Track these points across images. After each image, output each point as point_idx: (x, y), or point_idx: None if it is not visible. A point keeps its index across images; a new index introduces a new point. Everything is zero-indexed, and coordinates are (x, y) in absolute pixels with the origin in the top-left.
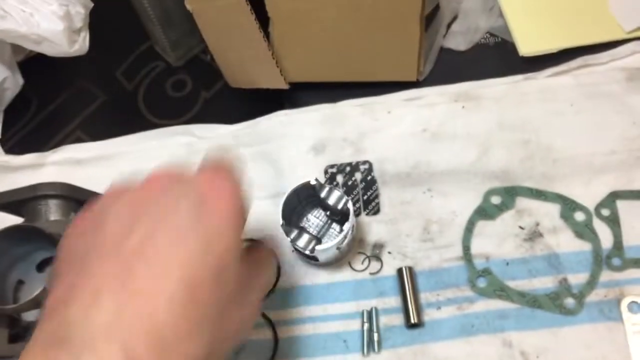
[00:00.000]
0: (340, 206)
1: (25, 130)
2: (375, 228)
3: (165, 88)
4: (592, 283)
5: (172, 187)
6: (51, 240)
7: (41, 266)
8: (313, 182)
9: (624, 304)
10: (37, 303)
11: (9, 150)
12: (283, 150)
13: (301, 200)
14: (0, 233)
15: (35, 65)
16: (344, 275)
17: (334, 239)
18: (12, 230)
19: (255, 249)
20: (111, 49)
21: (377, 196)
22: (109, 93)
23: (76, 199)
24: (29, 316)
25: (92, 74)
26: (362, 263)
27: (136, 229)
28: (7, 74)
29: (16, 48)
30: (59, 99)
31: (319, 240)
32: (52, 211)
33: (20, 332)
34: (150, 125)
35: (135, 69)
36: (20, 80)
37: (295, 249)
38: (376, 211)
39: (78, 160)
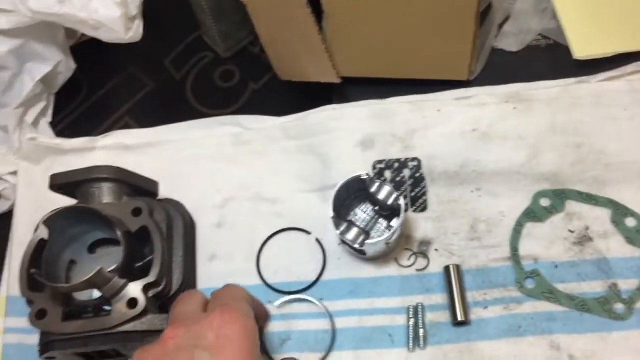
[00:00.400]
0: (390, 201)
1: (75, 114)
2: (422, 225)
3: (214, 78)
4: None
5: (186, 339)
6: (106, 222)
7: (92, 248)
8: (364, 176)
9: None
10: (91, 283)
11: (59, 133)
12: (331, 144)
13: (350, 194)
14: (57, 213)
15: (86, 51)
16: (391, 270)
17: (382, 233)
18: (68, 210)
19: None
20: (161, 37)
21: (425, 193)
22: (157, 81)
23: (128, 183)
24: (82, 295)
25: (142, 61)
26: (409, 259)
27: None
28: (61, 58)
29: (69, 33)
30: (109, 84)
31: (367, 235)
32: (105, 194)
33: (74, 311)
34: (197, 115)
35: (184, 59)
36: (72, 65)
37: (343, 242)
38: (424, 208)
39: (127, 146)
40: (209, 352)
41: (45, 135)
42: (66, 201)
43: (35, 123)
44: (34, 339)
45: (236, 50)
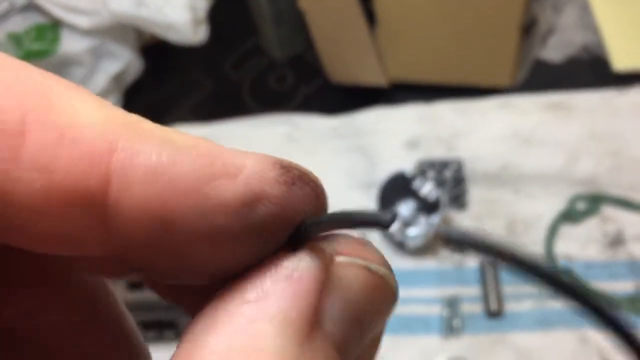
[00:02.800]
0: (431, 198)
1: (140, 112)
2: (461, 222)
3: (269, 82)
4: None
5: None
6: None
7: None
8: (408, 172)
9: None
10: None
11: None
12: (378, 144)
13: (394, 189)
14: None
15: (151, 53)
16: (429, 263)
17: (423, 228)
18: None
19: None
20: (222, 42)
21: (464, 193)
22: (216, 83)
23: None
24: None
25: (203, 64)
26: (447, 253)
27: None
28: (132, 57)
29: (138, 35)
30: (172, 85)
31: (408, 228)
32: None
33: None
34: (253, 113)
35: (242, 63)
36: (141, 65)
37: (385, 236)
38: (463, 207)
39: None
40: None
41: None
42: None
43: None
44: None
45: (290, 56)
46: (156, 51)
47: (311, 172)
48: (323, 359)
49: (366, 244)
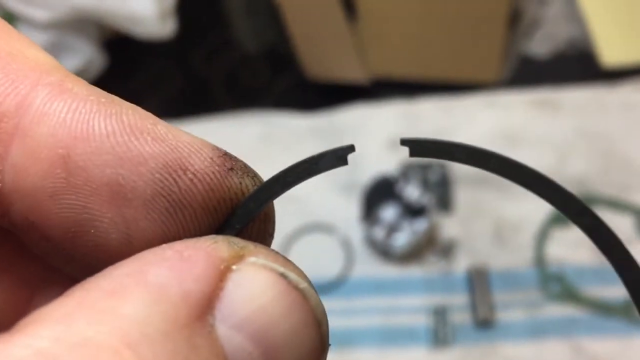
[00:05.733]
0: (416, 202)
1: None
2: (447, 226)
3: (241, 76)
4: None
5: None
6: None
7: None
8: (391, 176)
9: None
10: None
11: None
12: (358, 144)
13: (378, 193)
14: None
15: (115, 48)
16: (415, 270)
17: (408, 233)
18: None
19: None
20: (190, 35)
21: (450, 195)
22: (186, 77)
23: None
24: None
25: (171, 58)
26: (433, 260)
27: None
28: (93, 53)
29: (100, 29)
30: (138, 80)
31: (393, 234)
32: None
33: None
34: (225, 109)
35: (213, 56)
36: (103, 60)
37: (369, 241)
38: (449, 210)
39: None
40: None
41: None
42: None
43: None
44: None
45: (264, 50)
46: (120, 45)
47: (258, 174)
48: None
49: (288, 260)
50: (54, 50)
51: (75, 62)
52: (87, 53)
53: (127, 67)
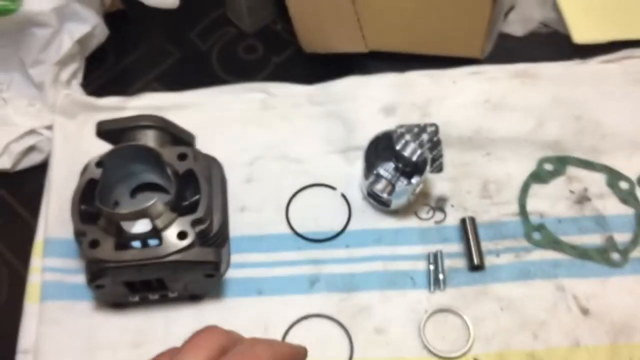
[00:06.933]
0: (415, 158)
1: (104, 78)
2: (438, 184)
3: (238, 51)
4: (635, 241)
5: None
6: (158, 162)
7: (133, 193)
8: (393, 132)
9: None
10: (145, 213)
11: (89, 95)
12: (354, 110)
13: (377, 150)
14: (115, 150)
15: (113, 21)
16: (411, 222)
17: (405, 188)
18: (126, 148)
19: None
20: (186, 12)
21: (441, 156)
22: (183, 51)
23: (170, 132)
24: (129, 227)
25: (168, 33)
26: (427, 213)
27: None
28: (98, 22)
29: (101, 0)
30: (136, 53)
31: (392, 187)
32: (150, 141)
33: (125, 242)
34: (223, 83)
35: (209, 32)
36: (106, 30)
37: (369, 194)
38: (440, 169)
39: (158, 107)
40: None
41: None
42: (100, 152)
43: (68, 83)
44: (70, 278)
45: (258, 27)
46: (118, 19)
47: None
48: None
49: None
50: (61, 16)
51: (81, 29)
52: (91, 21)
53: (125, 41)
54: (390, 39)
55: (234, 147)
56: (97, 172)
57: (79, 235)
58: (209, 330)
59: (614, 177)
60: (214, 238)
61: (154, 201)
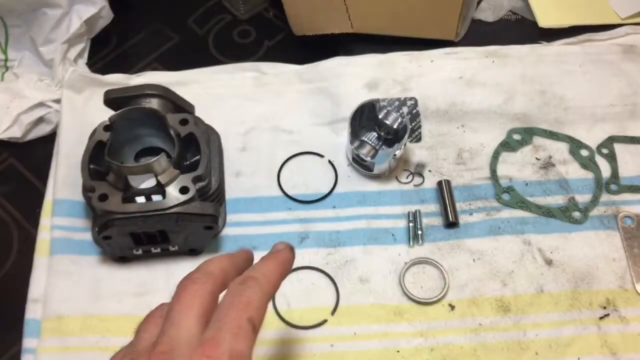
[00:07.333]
0: (396, 125)
1: (108, 59)
2: (417, 152)
3: (232, 36)
4: (594, 202)
5: None
6: (163, 124)
7: (137, 157)
8: (378, 102)
9: (620, 218)
10: (151, 168)
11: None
12: (340, 86)
13: (361, 121)
14: (124, 113)
15: (117, 6)
16: (392, 185)
17: (387, 155)
18: (133, 111)
19: None
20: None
21: (420, 127)
22: (181, 35)
23: (172, 100)
24: (136, 183)
25: (166, 19)
26: (407, 177)
27: None
28: (104, 4)
29: None
30: (137, 36)
31: (375, 152)
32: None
33: (131, 197)
34: (219, 64)
35: (206, 18)
36: (111, 13)
37: (354, 159)
38: (419, 139)
39: (159, 83)
40: None
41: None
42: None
43: (75, 62)
44: (77, 235)
45: (251, 14)
46: (121, 5)
47: None
48: None
49: None
50: None
51: (93, 9)
52: (99, 3)
53: (127, 24)
54: (374, 22)
55: (230, 119)
56: (105, 135)
57: (88, 191)
58: (192, 280)
59: (575, 145)
60: (213, 195)
61: (160, 157)
